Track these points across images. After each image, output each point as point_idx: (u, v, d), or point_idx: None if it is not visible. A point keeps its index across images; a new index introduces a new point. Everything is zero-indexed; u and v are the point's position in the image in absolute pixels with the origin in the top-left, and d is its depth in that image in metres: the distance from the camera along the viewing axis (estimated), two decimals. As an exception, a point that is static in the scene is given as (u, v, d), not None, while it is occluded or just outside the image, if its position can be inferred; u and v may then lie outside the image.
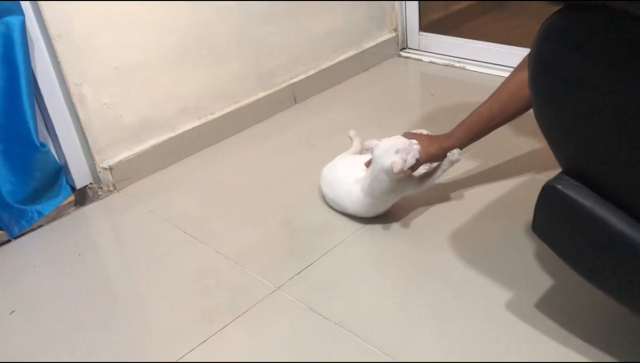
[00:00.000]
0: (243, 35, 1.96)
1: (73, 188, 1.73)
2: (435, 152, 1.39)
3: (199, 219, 1.59)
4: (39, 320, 1.32)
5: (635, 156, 0.83)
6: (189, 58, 1.85)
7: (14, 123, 1.55)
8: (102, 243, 1.62)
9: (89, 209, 1.72)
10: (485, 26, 2.62)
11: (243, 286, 1.33)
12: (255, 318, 1.24)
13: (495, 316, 1.16)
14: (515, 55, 1.98)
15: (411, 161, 1.33)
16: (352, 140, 1.63)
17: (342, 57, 2.29)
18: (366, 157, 1.45)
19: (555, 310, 1.16)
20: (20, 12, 1.48)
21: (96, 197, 1.76)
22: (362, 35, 2.34)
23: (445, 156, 1.38)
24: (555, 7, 0.84)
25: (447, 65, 2.33)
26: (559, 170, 0.98)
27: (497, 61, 2.19)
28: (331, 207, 1.54)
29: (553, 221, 0.98)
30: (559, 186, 0.94)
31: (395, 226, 1.46)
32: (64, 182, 1.72)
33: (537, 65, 0.89)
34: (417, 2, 2.38)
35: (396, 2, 2.40)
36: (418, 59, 2.41)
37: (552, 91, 0.90)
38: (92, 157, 1.72)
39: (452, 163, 1.38)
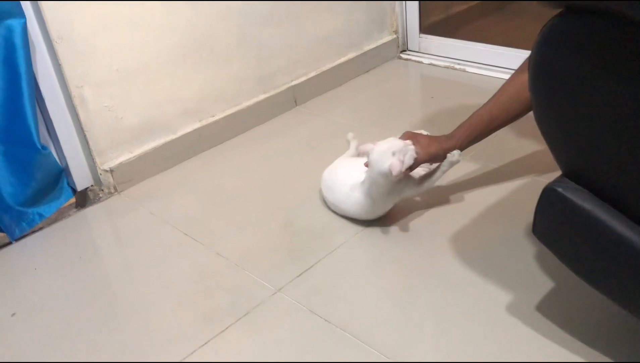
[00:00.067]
0: (244, 37, 1.96)
1: (74, 190, 1.73)
2: (435, 152, 1.38)
3: (200, 222, 1.59)
4: (39, 322, 1.32)
5: (635, 159, 0.83)
6: (189, 60, 1.85)
7: (15, 125, 1.55)
8: (103, 245, 1.62)
9: (89, 211, 1.73)
10: (486, 28, 2.62)
11: (244, 288, 1.33)
12: (256, 320, 1.24)
13: (496, 319, 1.16)
14: (515, 57, 1.99)
15: (409, 161, 1.32)
16: (349, 143, 1.63)
17: (343, 59, 2.29)
18: (365, 159, 1.45)
19: (555, 312, 1.16)
20: (22, 15, 1.48)
21: (97, 199, 1.76)
22: (362, 38, 2.34)
23: (445, 157, 1.38)
24: (556, 10, 0.84)
25: (447, 67, 2.33)
26: (559, 172, 0.98)
27: (497, 63, 2.19)
28: (332, 210, 1.54)
29: (553, 224, 0.98)
30: (560, 189, 0.94)
31: (396, 228, 1.46)
32: (64, 184, 1.72)
33: (537, 68, 0.90)
34: (417, 4, 2.38)
35: (396, 3, 2.40)
36: (418, 61, 2.42)
37: (552, 93, 0.90)
38: (93, 159, 1.72)
39: (452, 164, 1.38)
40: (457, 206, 1.51)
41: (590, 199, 0.91)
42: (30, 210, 1.62)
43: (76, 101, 1.64)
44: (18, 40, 1.48)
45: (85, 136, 1.69)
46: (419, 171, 1.43)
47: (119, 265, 1.52)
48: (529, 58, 0.90)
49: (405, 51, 2.48)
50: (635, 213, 0.87)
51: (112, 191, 1.77)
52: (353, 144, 1.61)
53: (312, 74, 2.20)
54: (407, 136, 1.41)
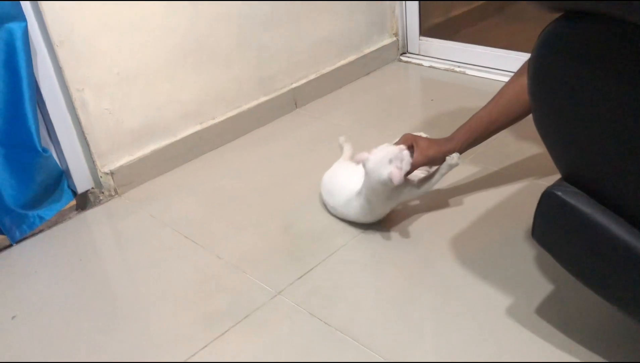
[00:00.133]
0: (244, 39, 1.97)
1: (74, 193, 1.74)
2: (434, 155, 1.38)
3: (200, 224, 1.59)
4: (40, 324, 1.32)
5: (634, 163, 0.83)
6: (190, 63, 1.85)
7: (16, 128, 1.55)
8: (103, 247, 1.62)
9: (90, 213, 1.73)
10: (485, 31, 2.63)
11: (244, 291, 1.33)
12: (255, 323, 1.24)
13: (495, 321, 1.16)
14: (515, 60, 1.99)
15: (406, 167, 1.32)
16: (342, 146, 1.60)
17: (343, 61, 2.29)
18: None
19: (554, 315, 1.16)
20: (23, 18, 1.49)
21: (97, 202, 1.76)
22: (362, 40, 2.35)
23: (444, 160, 1.38)
24: (555, 14, 0.84)
25: (447, 69, 2.33)
26: (559, 176, 0.98)
27: (497, 66, 2.20)
28: (332, 214, 1.54)
29: (552, 228, 0.98)
30: (559, 193, 0.94)
31: (395, 231, 1.46)
32: (65, 187, 1.73)
33: (536, 72, 0.90)
34: (417, 7, 2.38)
35: (397, 5, 2.40)
36: (418, 64, 2.42)
37: (552, 97, 0.90)
38: (94, 162, 1.73)
39: (451, 167, 1.37)
40: (457, 209, 1.51)
41: (589, 203, 0.91)
42: (30, 213, 1.62)
43: (77, 104, 1.64)
44: (19, 43, 1.48)
45: (85, 138, 1.69)
46: (418, 174, 1.43)
47: (119, 267, 1.52)
48: (529, 61, 0.90)
49: (405, 53, 2.49)
50: (635, 217, 0.87)
51: (113, 193, 1.77)
52: (346, 147, 1.59)
53: (312, 76, 2.20)
54: (406, 138, 1.41)
